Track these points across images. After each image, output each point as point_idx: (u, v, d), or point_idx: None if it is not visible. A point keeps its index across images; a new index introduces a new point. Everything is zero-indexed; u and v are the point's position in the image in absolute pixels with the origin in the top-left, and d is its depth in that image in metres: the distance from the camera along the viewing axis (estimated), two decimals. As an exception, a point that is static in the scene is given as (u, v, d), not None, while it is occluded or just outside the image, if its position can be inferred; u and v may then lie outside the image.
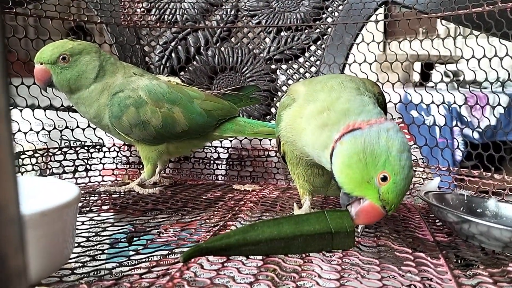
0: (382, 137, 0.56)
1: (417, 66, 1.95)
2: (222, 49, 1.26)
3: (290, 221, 0.58)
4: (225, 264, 0.54)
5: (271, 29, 1.24)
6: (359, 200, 0.57)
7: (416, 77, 2.04)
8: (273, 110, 1.24)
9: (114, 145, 1.14)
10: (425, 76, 1.21)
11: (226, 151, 1.20)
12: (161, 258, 0.58)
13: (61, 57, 0.86)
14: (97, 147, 1.12)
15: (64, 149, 1.06)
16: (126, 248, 0.63)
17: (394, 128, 0.57)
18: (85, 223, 0.74)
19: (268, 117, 1.23)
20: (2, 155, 0.16)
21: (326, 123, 0.61)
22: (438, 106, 1.04)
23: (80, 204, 0.83)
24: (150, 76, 0.96)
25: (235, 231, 0.57)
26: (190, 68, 1.27)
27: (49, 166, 1.03)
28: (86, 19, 1.13)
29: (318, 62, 1.21)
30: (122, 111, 0.89)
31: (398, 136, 0.56)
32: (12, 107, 1.00)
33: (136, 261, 0.58)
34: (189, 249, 0.54)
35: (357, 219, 0.57)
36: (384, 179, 0.55)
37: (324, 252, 0.58)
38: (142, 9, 1.25)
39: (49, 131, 1.04)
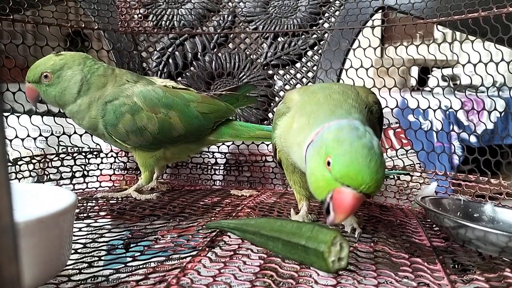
0: (326, 133, 0.56)
1: (414, 71, 1.96)
2: (220, 54, 1.26)
3: (277, 222, 0.61)
4: (222, 271, 0.54)
5: (268, 34, 1.24)
6: None
7: (413, 82, 2.04)
8: (270, 115, 1.24)
9: (111, 151, 1.14)
10: (422, 81, 1.22)
11: (223, 156, 1.20)
12: (158, 264, 0.58)
13: (43, 75, 0.86)
14: (95, 153, 1.12)
15: (62, 155, 1.06)
16: (123, 255, 0.63)
17: (339, 123, 0.56)
18: (82, 229, 0.73)
19: (265, 122, 1.23)
20: (-5, 165, 0.16)
21: (303, 140, 0.61)
22: (435, 110, 1.04)
23: (77, 210, 0.83)
24: (145, 81, 0.95)
25: (243, 219, 0.69)
26: (187, 73, 1.27)
27: (46, 172, 1.03)
28: (83, 26, 1.13)
29: (315, 68, 1.21)
30: (117, 119, 0.89)
31: (337, 124, 0.56)
32: (9, 113, 1.00)
33: (133, 268, 0.58)
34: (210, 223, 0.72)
35: (335, 212, 0.54)
36: (329, 163, 0.53)
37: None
38: (140, 15, 1.25)
39: (46, 137, 1.04)
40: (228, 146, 1.20)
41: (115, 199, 0.94)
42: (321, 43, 1.22)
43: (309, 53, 1.23)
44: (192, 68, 1.27)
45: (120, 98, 0.89)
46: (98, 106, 0.88)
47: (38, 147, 1.03)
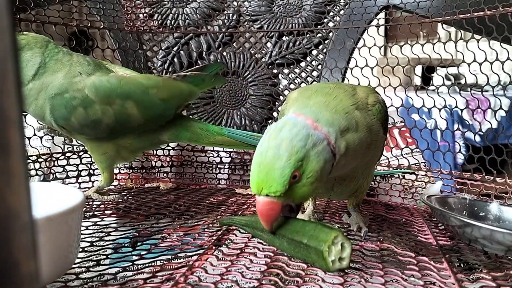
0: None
1: (419, 70, 1.95)
2: (224, 53, 1.26)
3: (283, 220, 0.60)
4: (229, 269, 0.55)
5: (272, 33, 1.24)
6: None
7: (417, 81, 2.04)
8: (275, 114, 1.24)
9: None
10: (427, 79, 1.21)
11: (228, 155, 1.21)
12: (165, 262, 0.59)
13: None
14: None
15: (67, 154, 1.06)
16: (130, 253, 0.63)
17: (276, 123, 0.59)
18: (89, 228, 0.74)
19: (270, 121, 1.24)
20: (14, 162, 0.16)
21: None
22: (439, 109, 1.04)
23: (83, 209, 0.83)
24: (100, 73, 0.86)
25: (253, 216, 0.67)
26: (192, 72, 1.27)
27: (52, 171, 1.03)
28: (89, 25, 1.13)
29: (319, 67, 1.21)
30: (69, 113, 0.82)
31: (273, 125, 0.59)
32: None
33: (140, 266, 0.58)
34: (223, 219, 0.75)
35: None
36: None
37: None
38: (145, 14, 1.26)
39: (52, 136, 1.04)
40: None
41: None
42: (326, 42, 1.22)
43: (314, 52, 1.23)
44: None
45: (71, 92, 0.81)
46: (45, 96, 0.81)
47: (44, 146, 1.04)
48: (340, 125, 0.59)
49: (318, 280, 0.52)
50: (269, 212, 0.56)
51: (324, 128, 0.57)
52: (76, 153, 1.08)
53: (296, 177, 0.55)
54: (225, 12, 1.27)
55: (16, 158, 0.16)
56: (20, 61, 0.77)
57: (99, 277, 0.55)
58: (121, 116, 0.85)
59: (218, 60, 1.25)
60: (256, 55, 1.26)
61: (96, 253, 0.63)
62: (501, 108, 0.96)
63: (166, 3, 1.27)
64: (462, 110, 1.02)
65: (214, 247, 0.64)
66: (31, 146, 1.01)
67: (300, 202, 0.60)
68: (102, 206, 0.88)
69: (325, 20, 1.22)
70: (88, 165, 1.08)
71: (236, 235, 0.69)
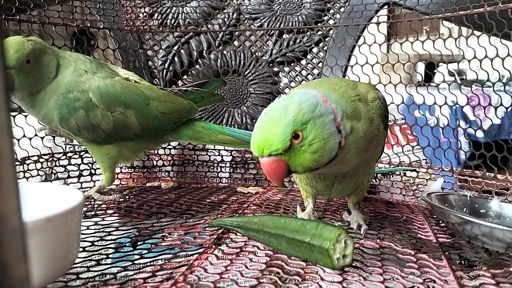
0: None
1: (420, 66, 1.95)
2: (225, 52, 1.26)
3: (281, 220, 0.61)
4: (228, 268, 0.55)
5: (273, 31, 1.24)
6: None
7: (418, 78, 2.03)
8: (276, 112, 1.24)
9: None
10: (428, 76, 1.21)
11: (229, 154, 1.21)
12: (165, 262, 0.59)
13: (26, 60, 0.78)
14: (102, 151, 1.13)
15: (69, 154, 1.07)
16: (131, 252, 0.64)
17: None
18: (90, 227, 0.74)
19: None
20: (3, 168, 0.16)
21: None
22: (440, 106, 1.04)
23: (85, 209, 0.83)
24: (104, 73, 0.87)
25: (246, 217, 0.69)
26: (193, 72, 1.27)
27: (54, 171, 1.04)
28: (89, 25, 1.13)
29: (320, 64, 1.21)
30: (70, 113, 0.83)
31: None
32: (17, 113, 1.01)
33: (141, 265, 0.58)
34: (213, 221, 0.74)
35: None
36: None
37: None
38: (145, 14, 1.26)
39: (53, 136, 1.04)
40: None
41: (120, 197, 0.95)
42: (326, 39, 1.22)
43: (314, 49, 1.23)
44: (197, 66, 1.27)
45: (75, 92, 0.83)
46: (56, 96, 0.83)
47: (45, 146, 1.04)
48: (347, 108, 0.60)
49: (317, 279, 0.52)
50: (275, 170, 0.57)
51: (333, 105, 0.58)
52: (78, 153, 1.08)
53: (298, 137, 0.55)
54: (225, 11, 1.27)
55: (5, 163, 0.16)
56: (44, 66, 0.82)
57: (99, 277, 0.55)
58: (119, 124, 0.86)
59: (219, 58, 1.25)
60: (257, 54, 1.26)
61: (97, 252, 0.63)
62: (502, 104, 0.96)
63: (166, 2, 1.27)
64: (463, 107, 1.02)
65: (214, 246, 0.64)
66: (32, 147, 1.01)
67: (298, 171, 0.59)
68: (104, 205, 0.89)
69: (325, 18, 1.22)
70: (90, 165, 1.09)
71: (236, 234, 0.70)
